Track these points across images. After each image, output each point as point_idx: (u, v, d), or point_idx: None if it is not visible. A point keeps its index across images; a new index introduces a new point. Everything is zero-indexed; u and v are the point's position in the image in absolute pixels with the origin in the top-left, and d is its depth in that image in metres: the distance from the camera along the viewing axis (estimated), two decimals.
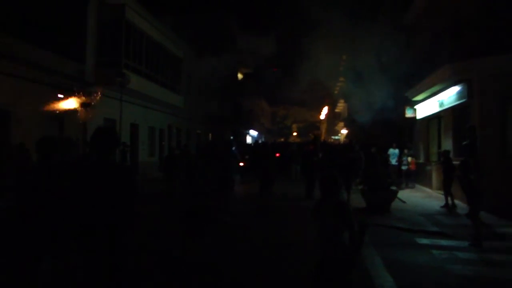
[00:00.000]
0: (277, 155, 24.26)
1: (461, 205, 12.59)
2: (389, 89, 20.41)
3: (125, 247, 3.67)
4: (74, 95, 15.11)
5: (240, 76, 46.26)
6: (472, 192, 8.75)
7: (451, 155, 13.53)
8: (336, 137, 69.05)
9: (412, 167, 18.62)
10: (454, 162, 12.48)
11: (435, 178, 16.42)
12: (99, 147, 3.85)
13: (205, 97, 32.72)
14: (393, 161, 19.08)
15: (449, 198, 12.65)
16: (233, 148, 11.86)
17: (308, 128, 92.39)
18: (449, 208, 12.50)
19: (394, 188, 13.41)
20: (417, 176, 18.93)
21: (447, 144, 15.39)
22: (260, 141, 47.07)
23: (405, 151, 19.10)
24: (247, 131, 50.76)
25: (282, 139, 61.37)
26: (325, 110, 56.35)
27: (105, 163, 3.80)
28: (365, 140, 26.70)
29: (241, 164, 17.06)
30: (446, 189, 12.69)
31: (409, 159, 18.62)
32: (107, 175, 3.71)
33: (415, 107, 19.15)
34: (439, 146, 17.05)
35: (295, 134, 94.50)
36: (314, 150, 17.34)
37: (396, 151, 19.21)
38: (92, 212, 3.59)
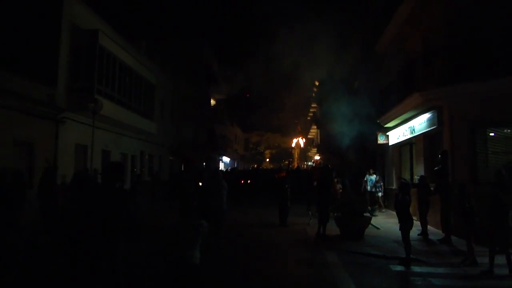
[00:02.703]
0: (247, 181, 24.08)
1: (434, 231, 12.78)
2: (362, 116, 20.79)
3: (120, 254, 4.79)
4: (45, 121, 14.87)
5: (213, 102, 46.39)
6: (404, 213, 9.40)
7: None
8: (310, 163, 69.48)
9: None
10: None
11: None
12: (107, 177, 5.07)
13: (178, 123, 32.65)
14: (369, 187, 19.28)
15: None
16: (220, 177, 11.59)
17: (281, 154, 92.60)
18: (424, 234, 12.57)
19: (367, 214, 13.54)
20: (388, 202, 19.20)
21: (419, 170, 15.67)
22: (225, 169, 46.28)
23: (377, 177, 19.43)
24: (220, 158, 50.64)
25: (255, 165, 61.36)
26: (295, 141, 57.75)
27: (110, 188, 4.93)
28: (340, 166, 26.96)
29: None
30: (422, 215, 12.78)
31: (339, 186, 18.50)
32: (111, 197, 4.86)
33: (388, 133, 19.52)
34: (412, 172, 17.35)
35: (267, 160, 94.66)
36: (286, 178, 17.38)
37: (373, 177, 19.42)
38: (98, 225, 4.69)
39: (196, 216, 5.51)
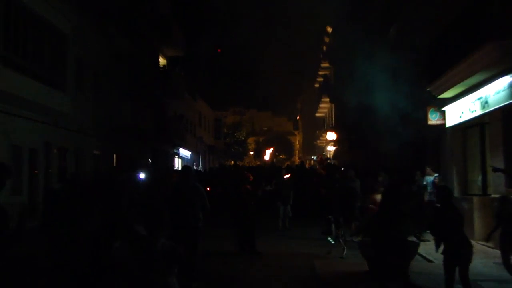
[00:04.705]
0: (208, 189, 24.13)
1: None
2: (403, 81, 20.54)
3: None
4: None
5: (163, 61, 45.81)
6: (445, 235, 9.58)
7: (502, 182, 13.54)
8: (314, 158, 69.85)
9: None
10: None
11: (478, 223, 16.32)
12: None
13: (108, 97, 32.15)
14: (428, 194, 18.66)
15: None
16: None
17: (273, 143, 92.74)
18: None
19: (413, 239, 13.27)
20: None
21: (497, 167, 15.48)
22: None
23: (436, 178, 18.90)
24: (176, 150, 50.20)
25: (232, 162, 61.30)
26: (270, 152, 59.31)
27: None
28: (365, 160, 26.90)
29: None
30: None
31: None
32: None
33: (444, 108, 19.39)
34: (483, 171, 17.13)
35: (252, 153, 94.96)
36: (254, 183, 17.20)
37: (432, 178, 18.96)
38: None
39: (166, 236, 6.15)
